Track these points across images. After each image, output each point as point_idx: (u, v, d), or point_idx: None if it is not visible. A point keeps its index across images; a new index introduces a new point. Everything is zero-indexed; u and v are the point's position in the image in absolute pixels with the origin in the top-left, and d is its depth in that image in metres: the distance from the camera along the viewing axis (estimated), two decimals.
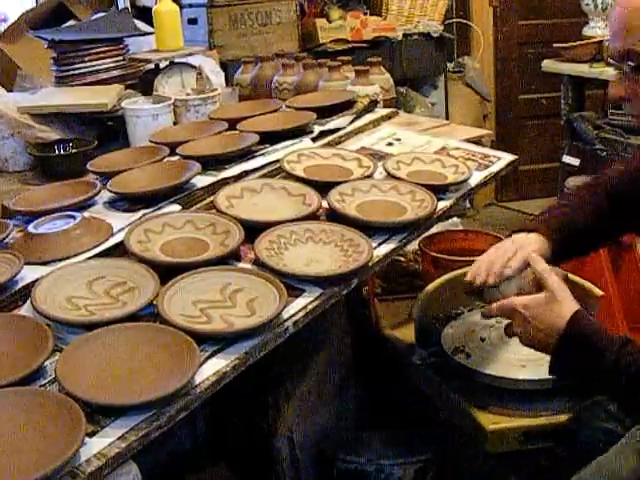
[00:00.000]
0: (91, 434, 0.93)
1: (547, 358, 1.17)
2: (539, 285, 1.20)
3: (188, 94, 2.11)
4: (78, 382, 1.00)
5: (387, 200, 1.54)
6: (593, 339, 1.10)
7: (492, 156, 1.79)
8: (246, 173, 1.69)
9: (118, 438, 0.93)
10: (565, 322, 1.12)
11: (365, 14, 3.45)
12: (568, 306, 1.14)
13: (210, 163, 1.71)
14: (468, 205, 4.05)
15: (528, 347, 1.20)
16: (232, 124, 1.93)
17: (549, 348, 1.14)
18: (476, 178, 1.66)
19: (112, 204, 1.59)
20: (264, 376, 1.71)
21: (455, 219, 2.78)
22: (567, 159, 3.12)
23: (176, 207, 1.54)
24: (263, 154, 1.78)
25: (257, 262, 1.31)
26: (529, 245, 1.31)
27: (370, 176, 1.64)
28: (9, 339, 1.10)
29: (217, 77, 2.38)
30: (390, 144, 1.90)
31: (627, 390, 1.07)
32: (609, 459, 1.18)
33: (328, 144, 1.88)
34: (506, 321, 1.26)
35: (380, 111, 2.12)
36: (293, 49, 3.01)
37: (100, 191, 1.60)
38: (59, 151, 1.93)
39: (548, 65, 3.36)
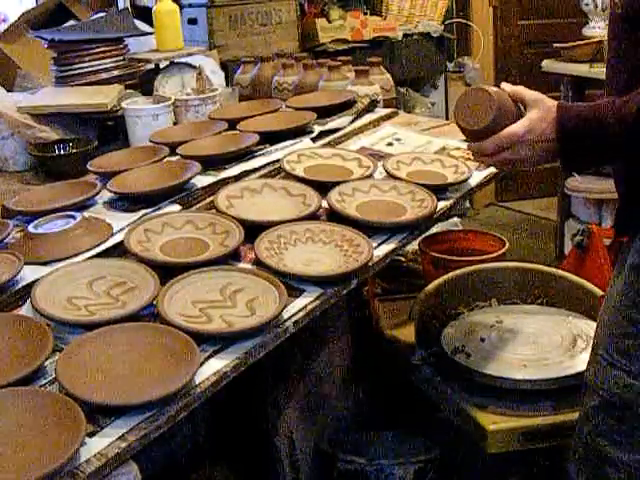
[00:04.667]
0: (91, 434, 0.93)
1: (549, 359, 1.16)
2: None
3: (188, 94, 2.11)
4: (78, 382, 0.99)
5: (387, 200, 1.54)
6: (588, 108, 1.13)
7: None
8: (246, 173, 1.69)
9: (118, 438, 0.93)
10: (554, 109, 1.16)
11: (365, 14, 3.46)
12: (550, 101, 1.18)
13: (210, 163, 1.71)
14: (468, 205, 4.05)
15: (533, 164, 1.24)
16: (232, 124, 1.93)
17: (552, 145, 1.16)
18: (476, 178, 1.66)
19: (112, 204, 1.59)
20: (264, 376, 1.71)
21: (455, 219, 2.78)
22: None
23: (176, 207, 1.54)
24: (263, 154, 1.78)
25: (257, 262, 1.31)
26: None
27: (370, 176, 1.64)
28: (9, 339, 1.10)
29: (217, 77, 2.38)
30: (390, 144, 1.90)
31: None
32: None
33: (328, 144, 1.88)
34: (506, 322, 1.25)
35: (380, 111, 2.12)
36: (293, 49, 3.01)
37: (100, 191, 1.60)
38: (59, 151, 1.93)
39: (548, 65, 3.37)
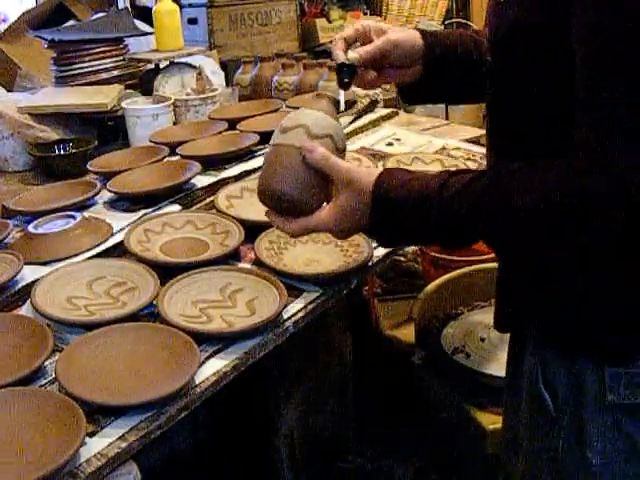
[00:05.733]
0: (91, 434, 0.93)
1: None
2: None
3: (188, 94, 2.11)
4: (78, 382, 0.99)
5: None
6: (409, 198, 0.92)
7: None
8: (246, 173, 1.69)
9: (118, 438, 0.93)
10: (369, 194, 0.94)
11: (365, 14, 3.46)
12: (365, 180, 0.95)
13: (210, 163, 1.71)
14: None
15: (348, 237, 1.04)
16: (232, 124, 1.93)
17: (366, 223, 0.97)
18: None
19: (112, 204, 1.59)
20: (264, 376, 1.71)
21: None
22: None
23: (176, 207, 1.54)
24: (263, 154, 1.78)
25: (257, 262, 1.31)
26: (397, 31, 1.12)
27: None
28: (9, 339, 1.10)
29: (217, 77, 2.38)
30: (390, 144, 1.90)
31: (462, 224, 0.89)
32: None
33: None
34: None
35: (380, 111, 2.12)
36: (293, 49, 3.01)
37: (100, 191, 1.60)
38: (59, 151, 1.93)
39: None
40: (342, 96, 1.09)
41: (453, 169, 0.96)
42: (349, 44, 1.10)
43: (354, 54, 1.08)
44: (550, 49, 0.85)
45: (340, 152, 1.01)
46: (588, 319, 0.92)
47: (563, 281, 0.92)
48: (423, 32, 1.15)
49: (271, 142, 1.03)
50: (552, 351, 0.96)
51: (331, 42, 1.12)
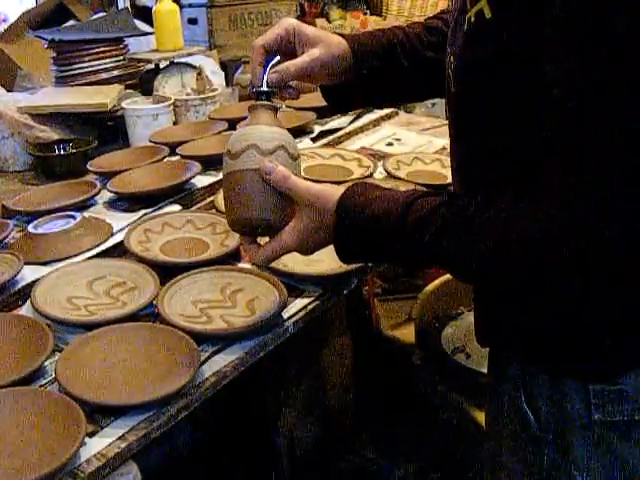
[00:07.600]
0: (91, 434, 0.93)
1: None
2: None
3: (188, 94, 2.12)
4: (78, 382, 0.99)
5: None
6: (374, 220, 0.88)
7: None
8: None
9: (118, 438, 0.93)
10: (331, 214, 0.92)
11: (365, 14, 3.46)
12: (329, 199, 0.93)
13: (210, 163, 1.71)
14: None
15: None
16: (232, 124, 1.93)
17: (330, 242, 0.95)
18: None
19: (112, 204, 1.59)
20: (264, 376, 1.71)
21: None
22: None
23: (176, 207, 1.54)
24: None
25: None
26: (322, 44, 1.06)
27: (370, 176, 1.64)
28: (9, 339, 1.10)
29: (217, 77, 2.38)
30: (390, 144, 1.90)
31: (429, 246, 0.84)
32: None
33: (328, 144, 1.88)
34: None
35: (380, 111, 2.12)
36: None
37: (100, 191, 1.60)
38: (59, 151, 1.93)
39: None
40: None
41: (422, 190, 0.92)
42: (268, 53, 1.04)
43: (275, 75, 1.02)
44: (522, 77, 0.79)
45: (295, 159, 0.98)
46: (570, 338, 0.88)
47: (538, 303, 0.88)
48: (350, 40, 1.10)
49: (224, 171, 0.98)
50: (534, 368, 0.92)
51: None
